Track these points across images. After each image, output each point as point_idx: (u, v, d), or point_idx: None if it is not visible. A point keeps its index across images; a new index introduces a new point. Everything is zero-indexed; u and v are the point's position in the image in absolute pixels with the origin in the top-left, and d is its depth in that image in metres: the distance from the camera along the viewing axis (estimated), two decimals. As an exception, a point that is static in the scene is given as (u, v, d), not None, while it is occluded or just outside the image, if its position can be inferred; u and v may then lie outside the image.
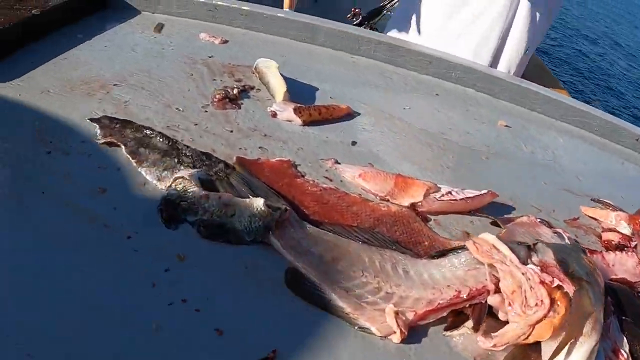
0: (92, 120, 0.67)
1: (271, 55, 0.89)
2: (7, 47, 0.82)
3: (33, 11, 0.85)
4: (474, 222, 0.71)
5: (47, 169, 0.59)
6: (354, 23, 3.09)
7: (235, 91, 0.77)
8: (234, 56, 0.87)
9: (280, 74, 0.80)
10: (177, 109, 0.72)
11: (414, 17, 1.33)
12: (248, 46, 0.92)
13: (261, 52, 0.91)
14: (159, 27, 0.91)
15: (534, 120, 1.12)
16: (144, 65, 0.80)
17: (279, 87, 0.78)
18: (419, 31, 1.30)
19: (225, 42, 0.91)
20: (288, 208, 0.58)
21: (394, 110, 0.90)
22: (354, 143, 0.77)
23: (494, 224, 0.70)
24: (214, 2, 0.94)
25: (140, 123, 0.67)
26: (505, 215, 0.75)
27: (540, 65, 1.92)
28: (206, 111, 0.73)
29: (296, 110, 0.75)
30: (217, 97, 0.75)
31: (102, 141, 0.64)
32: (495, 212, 0.73)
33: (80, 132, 0.65)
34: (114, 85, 0.74)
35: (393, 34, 1.33)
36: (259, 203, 0.57)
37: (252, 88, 0.80)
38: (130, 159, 0.62)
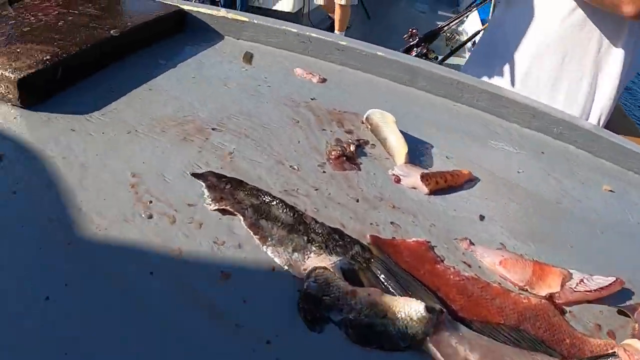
0: (195, 175, 0.58)
1: (375, 100, 0.81)
2: (84, 69, 0.74)
3: (112, 31, 0.77)
4: (603, 312, 0.66)
5: (153, 240, 0.50)
6: (411, 44, 3.10)
7: (352, 148, 0.68)
8: (337, 99, 0.79)
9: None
10: (291, 166, 0.63)
11: (497, 59, 1.26)
12: (347, 86, 0.84)
13: (363, 94, 0.83)
14: (249, 57, 0.82)
15: (633, 182, 1.05)
16: (242, 106, 0.71)
17: (401, 148, 0.69)
18: (511, 76, 1.23)
19: (324, 80, 0.82)
20: (443, 310, 0.50)
21: (509, 174, 0.83)
22: (482, 218, 0.70)
23: (620, 312, 0.66)
24: (307, 33, 0.86)
25: (253, 184, 0.58)
26: (627, 302, 0.71)
27: (619, 109, 1.85)
28: (324, 171, 0.64)
29: (423, 178, 0.67)
30: (333, 154, 0.66)
31: (213, 207, 0.54)
32: (617, 297, 0.69)
33: (183, 191, 0.56)
34: (213, 129, 0.66)
35: (473, 74, 1.26)
36: (418, 307, 0.48)
37: (367, 143, 0.72)
38: (252, 234, 0.52)
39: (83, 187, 0.55)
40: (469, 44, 4.57)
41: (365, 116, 0.76)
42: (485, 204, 0.76)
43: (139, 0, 0.93)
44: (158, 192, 0.56)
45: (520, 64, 1.25)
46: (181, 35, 0.88)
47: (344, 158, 0.68)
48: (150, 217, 0.53)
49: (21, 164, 0.59)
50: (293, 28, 0.86)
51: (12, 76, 0.67)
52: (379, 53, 0.88)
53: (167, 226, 0.52)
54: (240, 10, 4.97)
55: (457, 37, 4.79)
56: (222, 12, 0.87)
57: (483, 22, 3.90)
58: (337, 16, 4.27)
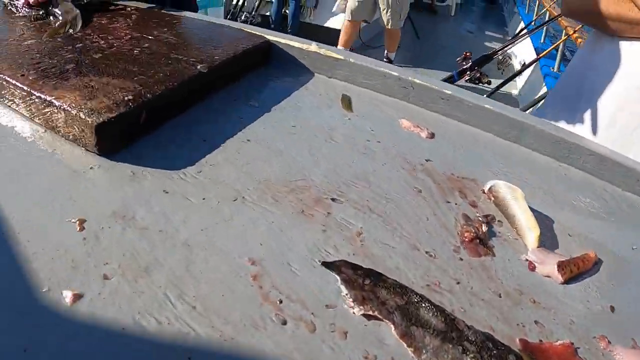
0: (326, 265, 0.50)
1: (485, 160, 0.74)
2: (168, 111, 0.65)
3: (199, 67, 0.68)
4: None
5: (294, 356, 0.41)
6: (464, 67, 3.10)
7: (483, 228, 0.61)
8: (450, 160, 0.71)
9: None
10: (427, 252, 0.55)
11: (579, 104, 1.20)
12: (455, 142, 0.76)
13: (473, 152, 0.76)
14: (347, 102, 0.74)
15: None
16: (357, 168, 0.63)
17: (533, 230, 0.63)
18: (593, 123, 1.17)
19: (432, 135, 0.75)
20: None
21: (625, 252, 0.75)
22: (612, 309, 0.63)
23: None
24: (410, 79, 0.78)
25: (392, 277, 0.50)
26: None
27: None
28: (461, 259, 0.56)
29: (560, 267, 0.61)
30: (467, 236, 0.59)
31: (358, 312, 0.46)
32: None
33: (316, 286, 0.48)
34: (332, 200, 0.57)
35: (553, 117, 1.20)
36: None
37: (494, 220, 0.65)
38: (404, 345, 0.44)
39: (192, 276, 0.47)
40: (517, 65, 4.59)
41: (488, 187, 0.69)
42: (612, 291, 0.70)
43: (219, 27, 0.85)
44: (287, 288, 0.47)
45: (604, 110, 1.20)
46: (267, 69, 0.81)
47: (478, 241, 0.61)
48: (284, 322, 0.44)
49: (109, 234, 0.50)
50: (394, 71, 0.78)
51: (89, 120, 0.58)
52: (487, 106, 0.81)
53: (306, 335, 0.43)
54: (291, 26, 5.09)
55: (509, 60, 4.82)
56: (314, 46, 0.79)
57: (537, 50, 3.90)
58: (386, 38, 4.48)
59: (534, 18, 5.26)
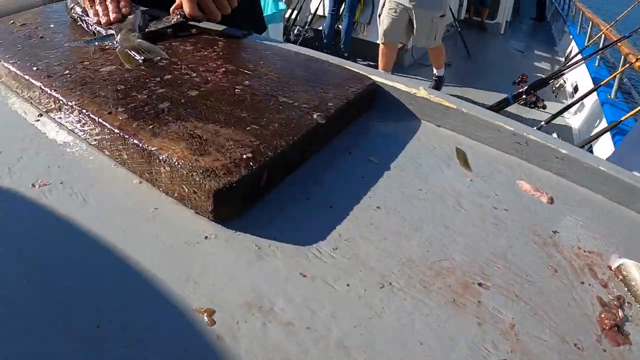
0: (492, 372, 0.47)
1: (603, 229, 0.72)
2: (287, 167, 0.62)
3: (315, 116, 0.65)
4: None
5: None
6: (519, 90, 3.16)
7: (620, 314, 0.59)
8: (573, 230, 0.69)
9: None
10: (575, 345, 0.53)
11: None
12: (572, 205, 0.74)
13: (590, 221, 0.73)
14: (464, 159, 0.71)
15: None
16: (493, 244, 0.60)
17: None
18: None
19: (552, 201, 0.72)
20: None
21: None
22: None
23: None
24: (524, 134, 0.76)
25: (554, 380, 0.48)
26: None
27: None
28: (604, 350, 0.54)
29: None
30: (606, 323, 0.57)
31: None
32: None
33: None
34: (479, 285, 0.55)
35: (629, 163, 1.20)
36: None
37: (624, 302, 0.63)
38: None
39: (354, 386, 0.44)
40: (570, 88, 4.64)
41: (616, 265, 0.67)
42: None
43: (319, 63, 0.82)
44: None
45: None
46: (371, 112, 0.78)
47: (616, 328, 0.60)
48: None
49: (248, 332, 0.46)
50: (509, 125, 0.76)
51: (207, 184, 0.53)
52: (601, 167, 0.79)
53: None
54: (344, 42, 5.06)
55: (563, 84, 4.86)
56: (422, 91, 0.76)
57: (594, 80, 3.90)
58: (431, 57, 4.56)
59: (587, 41, 5.28)
